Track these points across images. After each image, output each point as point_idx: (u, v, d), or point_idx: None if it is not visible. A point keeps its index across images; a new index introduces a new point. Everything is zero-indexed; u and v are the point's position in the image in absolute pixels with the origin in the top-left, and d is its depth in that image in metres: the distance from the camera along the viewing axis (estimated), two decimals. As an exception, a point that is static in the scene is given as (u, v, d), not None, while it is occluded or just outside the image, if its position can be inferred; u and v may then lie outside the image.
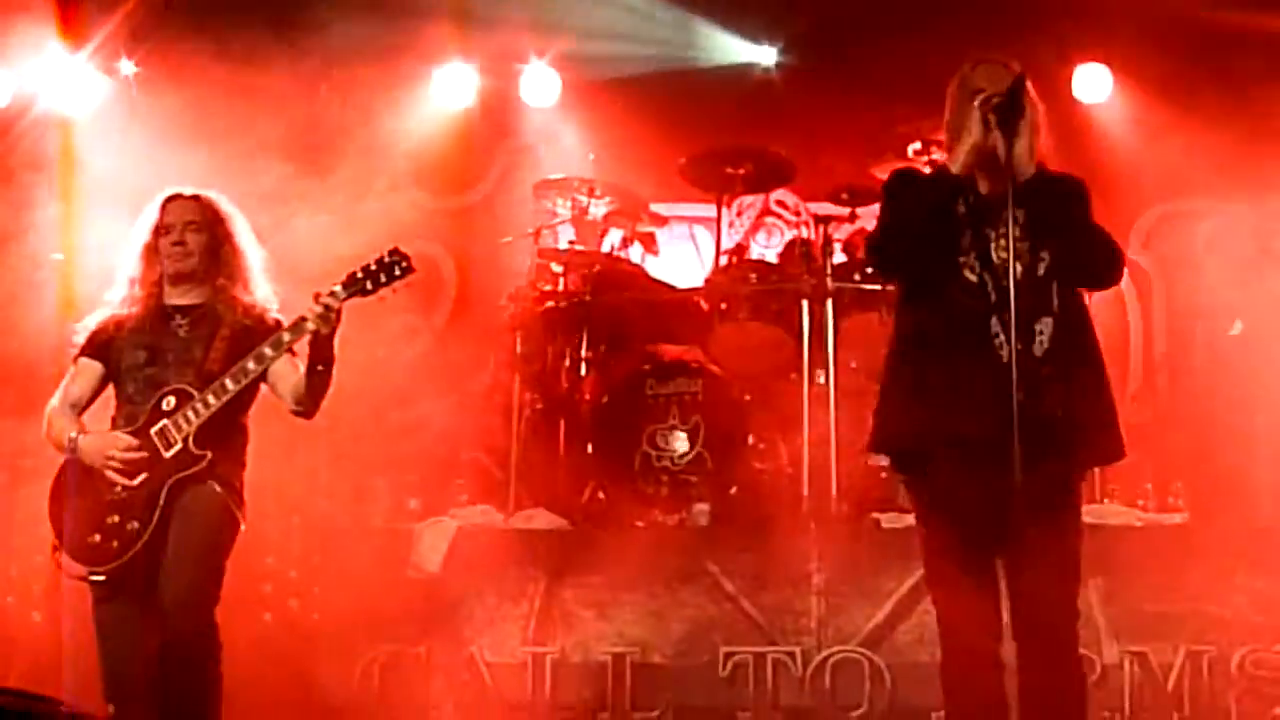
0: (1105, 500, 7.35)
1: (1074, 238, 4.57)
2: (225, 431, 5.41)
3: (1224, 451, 7.37)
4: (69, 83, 8.76)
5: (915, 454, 4.70)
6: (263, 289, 5.66)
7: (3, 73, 8.77)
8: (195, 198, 5.62)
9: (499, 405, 8.14)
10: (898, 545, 6.73)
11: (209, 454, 5.32)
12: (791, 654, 6.59)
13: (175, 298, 5.58)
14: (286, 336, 5.35)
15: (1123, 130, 8.97)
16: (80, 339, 5.63)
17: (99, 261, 6.29)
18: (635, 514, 7.25)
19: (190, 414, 5.31)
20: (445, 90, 9.39)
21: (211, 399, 5.31)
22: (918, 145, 7.88)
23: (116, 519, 5.28)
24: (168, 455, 5.31)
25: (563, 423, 7.77)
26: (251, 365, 5.33)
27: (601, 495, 7.43)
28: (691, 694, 6.64)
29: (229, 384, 5.31)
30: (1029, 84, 4.59)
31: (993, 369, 4.43)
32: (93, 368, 5.56)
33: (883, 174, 8.00)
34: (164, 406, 5.36)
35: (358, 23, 9.12)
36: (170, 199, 5.61)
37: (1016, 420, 4.22)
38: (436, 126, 9.52)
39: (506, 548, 6.98)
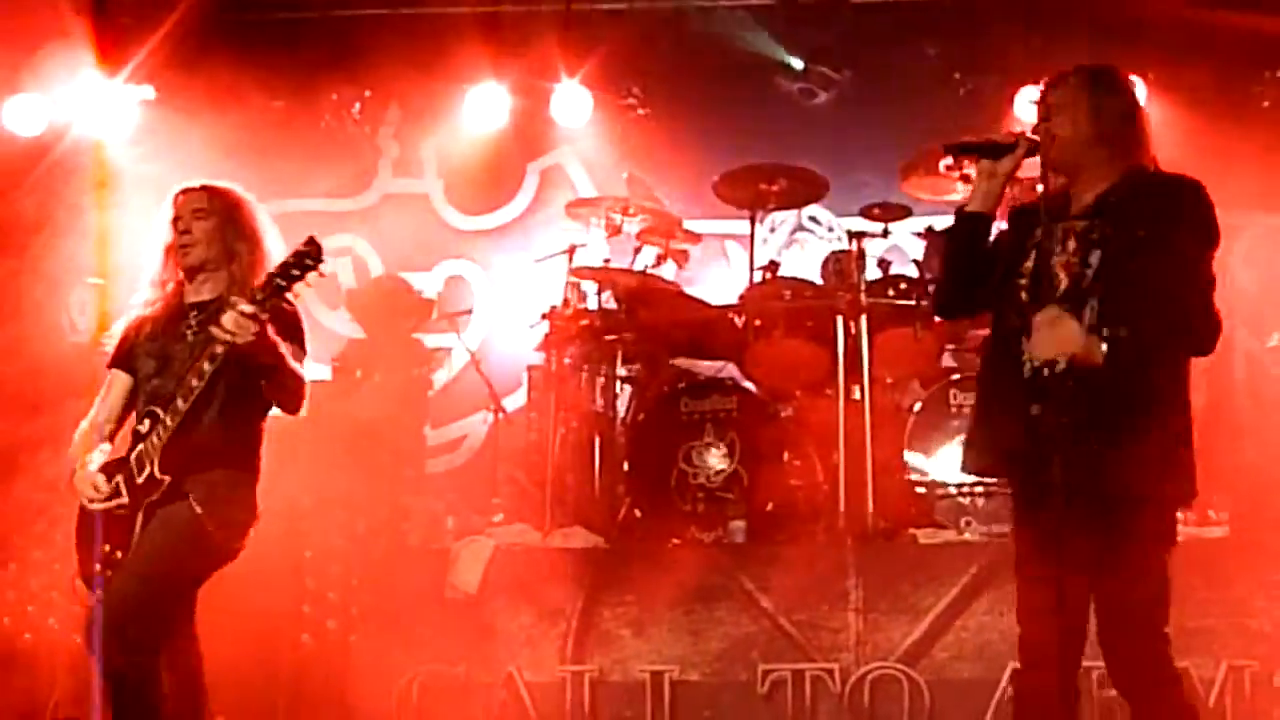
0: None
1: (1133, 280, 4.36)
2: (203, 447, 5.05)
3: (1265, 464, 7.30)
4: (105, 108, 8.84)
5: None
6: None
7: (39, 98, 8.85)
8: (204, 187, 5.32)
9: (534, 424, 8.15)
10: (935, 561, 6.73)
11: (168, 478, 5.01)
12: (829, 671, 6.57)
13: (192, 295, 5.27)
14: (219, 349, 4.96)
15: (1158, 141, 8.89)
16: (110, 348, 5.39)
17: (134, 285, 6.30)
18: (671, 532, 7.24)
19: (155, 438, 5.04)
20: (478, 110, 9.42)
21: (169, 420, 5.02)
22: (949, 161, 7.86)
23: (108, 548, 5.09)
24: (140, 481, 5.06)
25: (598, 441, 7.77)
26: (195, 382, 5.00)
27: (638, 513, 7.43)
28: (730, 711, 6.63)
29: (179, 403, 5.00)
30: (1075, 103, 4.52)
31: (1019, 385, 4.35)
32: (120, 379, 5.31)
33: (914, 189, 8.09)
34: (142, 429, 5.12)
35: (390, 45, 9.17)
36: (180, 191, 5.33)
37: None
38: (469, 146, 9.57)
39: (543, 566, 6.98)
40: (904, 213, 7.95)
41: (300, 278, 4.98)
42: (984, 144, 4.59)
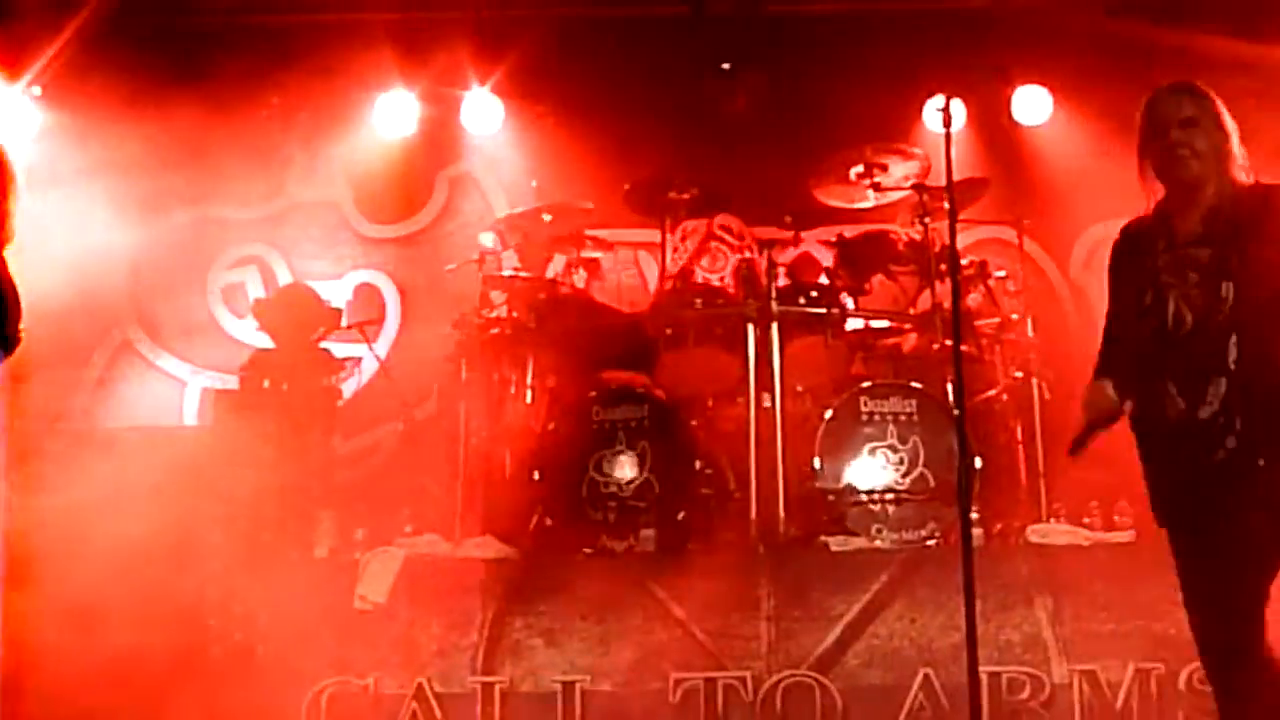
0: (1051, 520, 7.38)
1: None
2: None
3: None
4: (7, 113, 8.70)
5: None
6: None
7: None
8: None
9: (445, 433, 8.10)
10: (847, 568, 6.74)
11: None
12: (742, 679, 6.55)
13: None
14: None
15: (1063, 151, 9.05)
16: None
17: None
18: (583, 541, 7.21)
19: None
20: (387, 117, 9.37)
21: None
22: (860, 169, 7.91)
23: None
24: None
25: (509, 450, 7.74)
26: None
27: (549, 522, 7.38)
28: (642, 721, 6.61)
29: None
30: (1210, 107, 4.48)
31: (1165, 430, 4.40)
32: None
33: (826, 197, 8.13)
34: None
35: (298, 52, 9.10)
36: None
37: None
38: (378, 154, 9.51)
39: (454, 577, 6.93)
40: (815, 221, 7.98)
41: None
42: (1095, 425, 4.61)
